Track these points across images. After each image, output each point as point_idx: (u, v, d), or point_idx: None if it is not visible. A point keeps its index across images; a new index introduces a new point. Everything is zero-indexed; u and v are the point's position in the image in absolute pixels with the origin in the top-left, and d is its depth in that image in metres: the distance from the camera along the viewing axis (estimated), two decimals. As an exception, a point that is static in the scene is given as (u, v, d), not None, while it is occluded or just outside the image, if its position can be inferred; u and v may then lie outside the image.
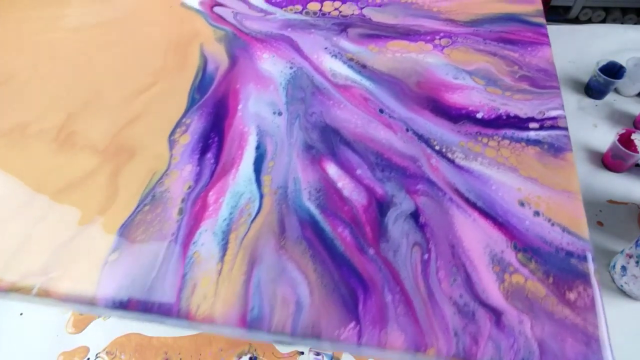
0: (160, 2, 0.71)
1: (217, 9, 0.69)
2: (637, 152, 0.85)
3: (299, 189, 0.50)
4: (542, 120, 0.53)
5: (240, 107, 0.57)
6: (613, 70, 1.01)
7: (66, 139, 0.56)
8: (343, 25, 0.65)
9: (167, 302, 0.44)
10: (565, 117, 0.52)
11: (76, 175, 0.53)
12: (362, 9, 0.67)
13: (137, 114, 0.58)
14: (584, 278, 0.42)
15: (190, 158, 0.53)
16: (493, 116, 0.54)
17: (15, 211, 0.51)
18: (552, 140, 0.51)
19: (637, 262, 0.65)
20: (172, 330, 0.63)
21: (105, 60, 0.64)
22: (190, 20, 0.67)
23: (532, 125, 0.53)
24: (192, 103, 0.58)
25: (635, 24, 1.87)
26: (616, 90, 1.05)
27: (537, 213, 0.46)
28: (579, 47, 1.14)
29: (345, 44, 0.63)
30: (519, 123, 0.53)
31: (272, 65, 0.61)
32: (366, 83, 0.58)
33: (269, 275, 0.45)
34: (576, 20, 2.05)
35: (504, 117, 0.54)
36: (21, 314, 0.66)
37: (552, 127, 0.52)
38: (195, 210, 0.50)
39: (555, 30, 1.16)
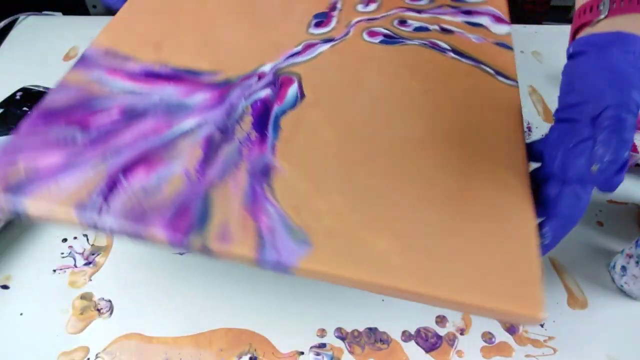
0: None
1: None
2: (637, 152, 0.85)
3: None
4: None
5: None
6: (613, 70, 1.00)
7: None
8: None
9: None
10: None
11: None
12: None
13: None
14: None
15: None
16: None
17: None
18: None
19: (637, 262, 0.65)
20: (173, 330, 0.63)
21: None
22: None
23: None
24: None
25: (635, 24, 1.86)
26: (616, 90, 1.04)
27: None
28: (579, 47, 1.13)
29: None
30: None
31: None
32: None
33: None
34: (576, 20, 2.05)
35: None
36: (21, 314, 0.64)
37: None
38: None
39: (556, 30, 1.15)
